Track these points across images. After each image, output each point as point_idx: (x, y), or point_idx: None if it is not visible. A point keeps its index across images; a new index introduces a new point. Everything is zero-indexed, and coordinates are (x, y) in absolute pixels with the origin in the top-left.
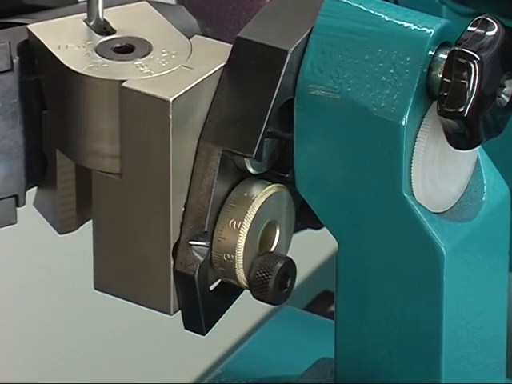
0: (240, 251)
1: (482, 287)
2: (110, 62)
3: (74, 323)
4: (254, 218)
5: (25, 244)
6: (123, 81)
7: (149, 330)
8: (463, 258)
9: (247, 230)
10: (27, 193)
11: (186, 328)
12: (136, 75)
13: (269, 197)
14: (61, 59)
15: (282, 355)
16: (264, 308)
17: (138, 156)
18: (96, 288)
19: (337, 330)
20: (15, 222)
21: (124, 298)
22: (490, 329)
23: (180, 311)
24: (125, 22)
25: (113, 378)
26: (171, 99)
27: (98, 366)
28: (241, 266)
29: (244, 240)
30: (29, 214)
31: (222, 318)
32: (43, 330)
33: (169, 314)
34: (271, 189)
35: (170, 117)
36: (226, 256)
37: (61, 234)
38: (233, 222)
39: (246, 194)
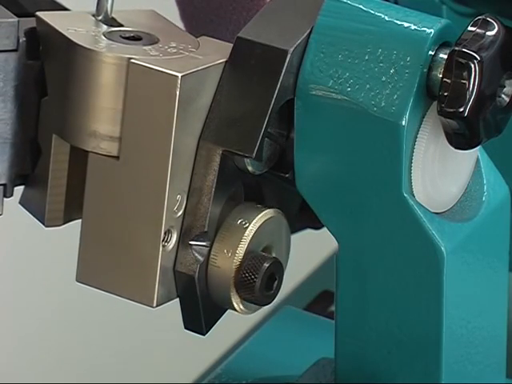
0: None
1: (482, 287)
2: (118, 44)
3: (74, 323)
4: (248, 245)
5: (15, 242)
6: (131, 58)
7: (149, 330)
8: (463, 258)
9: (241, 257)
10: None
11: (186, 328)
12: (145, 56)
13: (263, 223)
14: (69, 37)
15: (282, 355)
16: (264, 308)
17: (139, 136)
18: (78, 280)
19: (337, 329)
20: (1, 214)
21: (105, 290)
22: (490, 329)
23: (163, 305)
24: (132, 20)
25: (113, 378)
26: (180, 75)
27: (98, 365)
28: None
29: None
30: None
31: (222, 318)
32: (43, 330)
33: (151, 306)
34: (265, 214)
35: (177, 92)
36: (221, 283)
37: (46, 226)
38: (228, 250)
39: (239, 222)
